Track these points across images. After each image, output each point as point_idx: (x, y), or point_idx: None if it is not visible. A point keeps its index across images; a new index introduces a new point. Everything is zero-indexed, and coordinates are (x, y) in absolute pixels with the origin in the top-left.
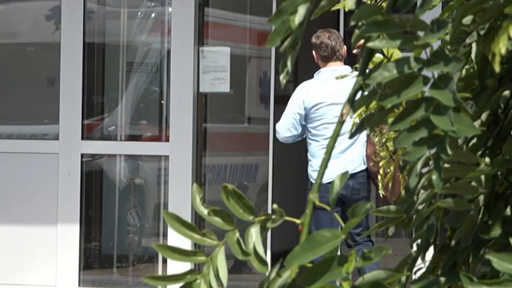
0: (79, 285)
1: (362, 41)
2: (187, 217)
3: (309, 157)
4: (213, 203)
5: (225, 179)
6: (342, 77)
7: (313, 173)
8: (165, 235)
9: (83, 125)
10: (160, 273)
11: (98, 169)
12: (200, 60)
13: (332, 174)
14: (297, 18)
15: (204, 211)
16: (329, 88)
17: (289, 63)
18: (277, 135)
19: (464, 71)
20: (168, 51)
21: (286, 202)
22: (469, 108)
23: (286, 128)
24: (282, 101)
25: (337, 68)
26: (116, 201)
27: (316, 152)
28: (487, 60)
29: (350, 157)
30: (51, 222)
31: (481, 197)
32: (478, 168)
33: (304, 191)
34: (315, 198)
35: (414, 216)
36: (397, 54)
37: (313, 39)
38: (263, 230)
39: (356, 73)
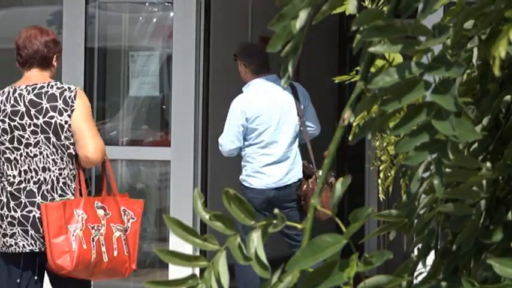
0: None
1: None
2: (189, 222)
3: (243, 163)
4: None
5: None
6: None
7: (248, 178)
8: (166, 240)
9: None
10: (161, 278)
11: (100, 174)
12: (130, 64)
13: (270, 181)
14: (298, 23)
15: (205, 216)
16: (264, 98)
17: (290, 68)
18: (220, 148)
19: (465, 76)
20: (170, 56)
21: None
22: (470, 113)
23: (230, 140)
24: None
25: (267, 78)
26: None
27: (252, 158)
28: (488, 64)
29: (291, 166)
30: None
31: (483, 202)
32: (479, 173)
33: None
34: (316, 203)
35: (415, 221)
36: (399, 59)
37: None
38: (264, 235)
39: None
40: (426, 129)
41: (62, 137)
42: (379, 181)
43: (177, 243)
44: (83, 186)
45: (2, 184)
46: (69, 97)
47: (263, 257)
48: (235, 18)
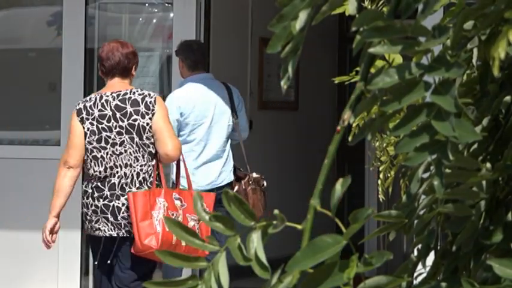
0: None
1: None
2: None
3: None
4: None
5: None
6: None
7: (181, 178)
8: None
9: None
10: (161, 278)
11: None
12: None
13: (202, 182)
14: (298, 24)
15: (205, 216)
16: (199, 95)
17: (290, 69)
18: None
19: (465, 76)
20: (170, 57)
21: None
22: (470, 114)
23: None
24: None
25: (203, 76)
26: None
27: (185, 157)
28: (488, 65)
29: (223, 167)
30: None
31: (482, 203)
32: (479, 174)
33: None
34: (316, 203)
35: (415, 222)
36: (398, 60)
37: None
38: (264, 236)
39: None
40: (426, 130)
41: (144, 137)
42: (379, 182)
43: None
44: (163, 179)
45: (91, 179)
46: (150, 102)
47: (263, 257)
48: (235, 18)
